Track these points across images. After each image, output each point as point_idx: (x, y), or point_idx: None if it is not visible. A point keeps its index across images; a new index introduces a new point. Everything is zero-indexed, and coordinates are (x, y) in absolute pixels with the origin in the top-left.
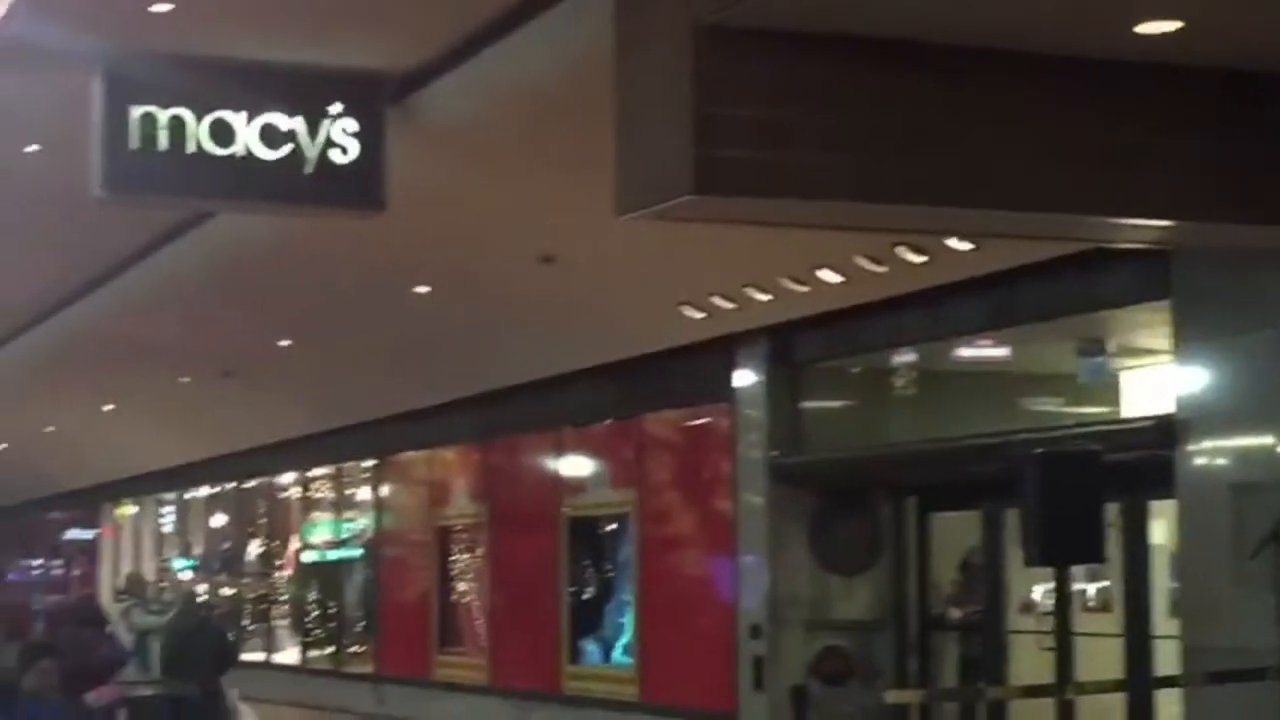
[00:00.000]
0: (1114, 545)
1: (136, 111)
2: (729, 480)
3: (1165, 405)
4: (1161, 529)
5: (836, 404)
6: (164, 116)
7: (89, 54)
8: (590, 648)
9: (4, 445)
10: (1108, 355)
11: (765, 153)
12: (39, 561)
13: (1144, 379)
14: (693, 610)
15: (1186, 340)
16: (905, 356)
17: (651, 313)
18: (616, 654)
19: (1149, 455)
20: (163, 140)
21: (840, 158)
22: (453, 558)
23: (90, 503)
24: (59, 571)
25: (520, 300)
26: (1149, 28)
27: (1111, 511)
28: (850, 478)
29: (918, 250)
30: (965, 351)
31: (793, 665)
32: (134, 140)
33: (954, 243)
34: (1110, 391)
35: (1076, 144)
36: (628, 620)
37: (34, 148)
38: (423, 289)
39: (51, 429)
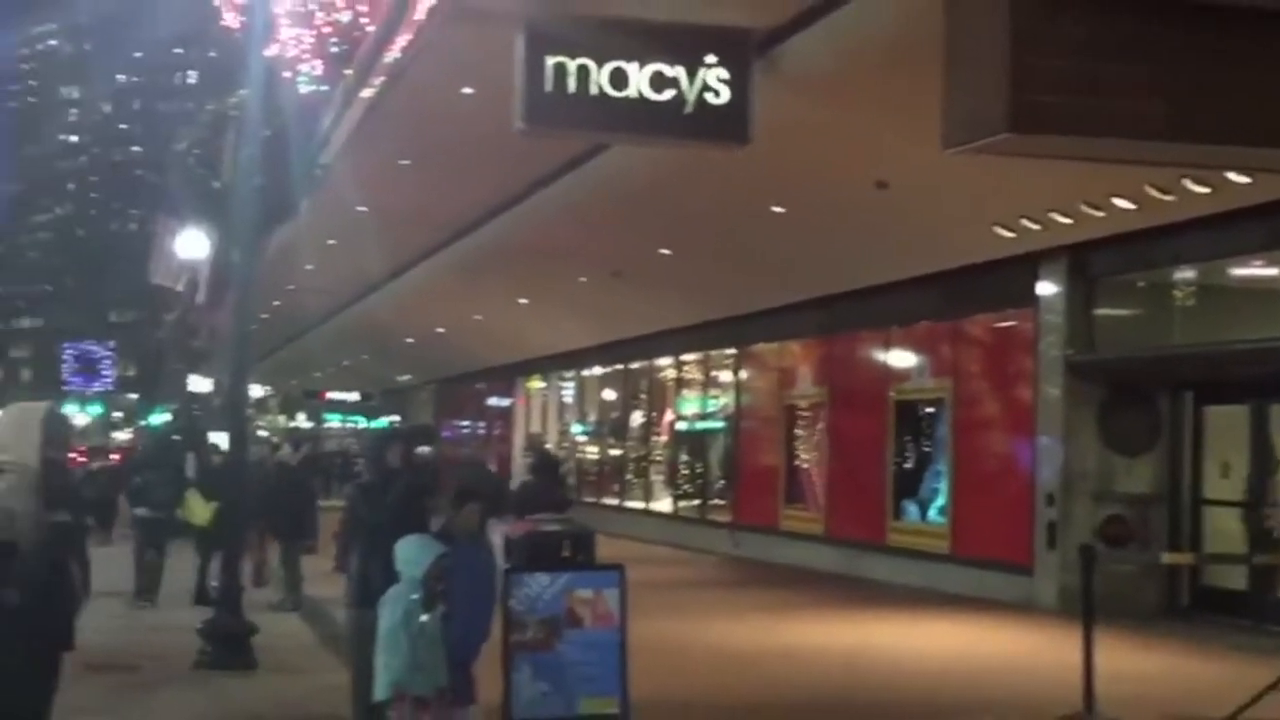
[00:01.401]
0: None
1: (550, 61)
2: (1030, 374)
3: None
4: None
5: (1125, 312)
6: (572, 65)
7: (514, 14)
8: (910, 508)
9: (442, 330)
10: None
11: (1074, 97)
12: (466, 422)
13: None
14: (997, 481)
15: None
16: (1186, 273)
17: (968, 231)
18: (932, 514)
19: None
20: (571, 84)
21: (1143, 103)
22: (797, 431)
23: (507, 377)
24: (482, 431)
25: (859, 219)
26: None
27: None
28: (1135, 374)
29: (1201, 182)
30: (1239, 270)
31: (1080, 529)
32: (548, 84)
33: (1234, 175)
34: None
35: None
36: (942, 487)
37: (468, 90)
38: (778, 209)
39: (479, 317)
